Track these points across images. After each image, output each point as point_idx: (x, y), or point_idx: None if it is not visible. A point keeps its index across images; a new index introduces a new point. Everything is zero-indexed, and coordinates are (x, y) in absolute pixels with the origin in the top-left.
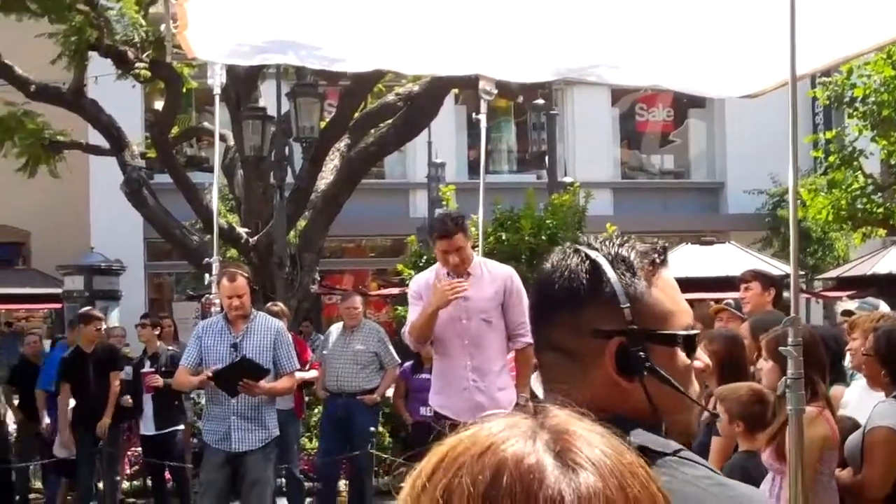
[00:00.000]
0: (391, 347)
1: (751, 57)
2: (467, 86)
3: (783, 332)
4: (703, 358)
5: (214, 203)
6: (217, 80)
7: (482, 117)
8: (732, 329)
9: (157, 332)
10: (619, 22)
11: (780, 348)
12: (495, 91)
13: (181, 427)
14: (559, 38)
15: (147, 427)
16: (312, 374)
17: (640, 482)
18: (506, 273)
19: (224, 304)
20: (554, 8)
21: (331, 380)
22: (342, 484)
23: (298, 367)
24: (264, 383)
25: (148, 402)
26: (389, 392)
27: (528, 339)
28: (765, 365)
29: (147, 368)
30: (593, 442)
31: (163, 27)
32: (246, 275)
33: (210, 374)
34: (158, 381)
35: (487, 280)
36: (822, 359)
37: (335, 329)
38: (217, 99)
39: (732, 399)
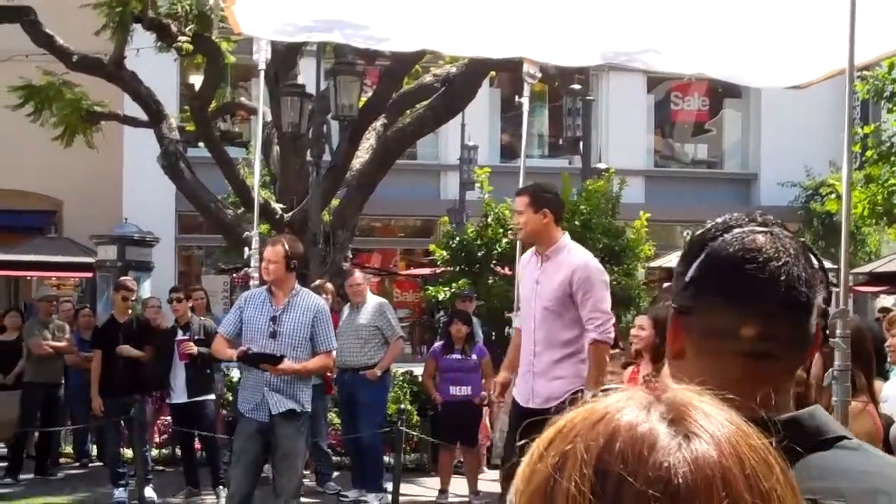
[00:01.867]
0: (394, 320)
1: (798, 48)
2: (506, 69)
3: (832, 324)
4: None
5: (256, 178)
6: (262, 55)
7: (525, 100)
8: None
9: (189, 305)
10: (666, 9)
11: (830, 340)
12: (539, 74)
13: (212, 397)
14: (606, 23)
15: (178, 396)
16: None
17: (759, 454)
18: (575, 264)
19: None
20: None
21: (338, 356)
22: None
23: (335, 346)
24: (291, 364)
25: (180, 370)
26: (418, 370)
27: (595, 334)
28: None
29: (180, 337)
30: (710, 413)
31: (211, 1)
32: (287, 246)
33: (237, 356)
34: (193, 348)
35: (558, 267)
36: (868, 353)
37: (346, 307)
38: (262, 75)
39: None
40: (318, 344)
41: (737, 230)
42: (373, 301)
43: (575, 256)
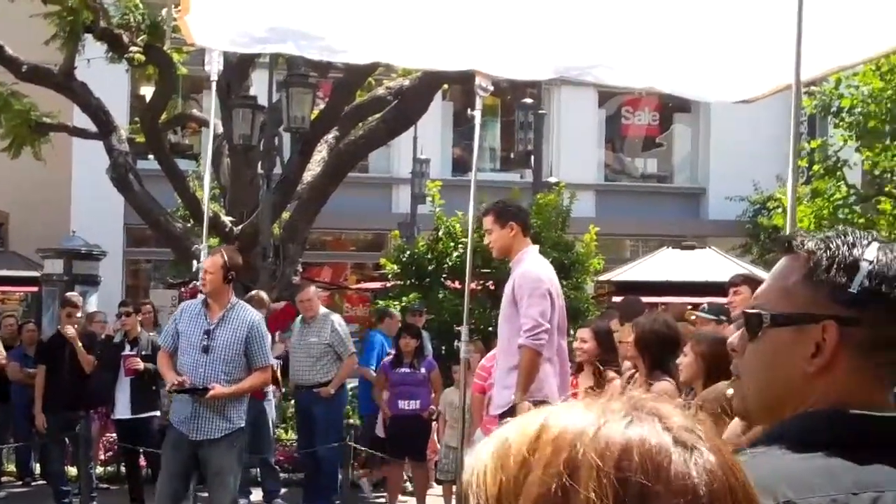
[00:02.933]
0: (346, 337)
1: (747, 63)
2: (459, 81)
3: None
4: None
5: (206, 190)
6: (214, 67)
7: (477, 114)
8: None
9: (139, 319)
10: (618, 23)
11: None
12: (491, 88)
13: (157, 413)
14: (558, 37)
15: (122, 411)
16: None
17: (738, 463)
18: (518, 272)
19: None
20: (553, 6)
21: (292, 374)
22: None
23: (272, 361)
24: (222, 389)
25: (125, 386)
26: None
27: (521, 339)
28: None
29: (128, 352)
30: (692, 422)
31: (164, 11)
32: (226, 257)
33: (167, 389)
34: (139, 364)
35: (512, 277)
36: None
37: (298, 322)
38: (214, 86)
39: (712, 398)
40: (252, 360)
41: (880, 244)
42: (325, 317)
43: (522, 265)
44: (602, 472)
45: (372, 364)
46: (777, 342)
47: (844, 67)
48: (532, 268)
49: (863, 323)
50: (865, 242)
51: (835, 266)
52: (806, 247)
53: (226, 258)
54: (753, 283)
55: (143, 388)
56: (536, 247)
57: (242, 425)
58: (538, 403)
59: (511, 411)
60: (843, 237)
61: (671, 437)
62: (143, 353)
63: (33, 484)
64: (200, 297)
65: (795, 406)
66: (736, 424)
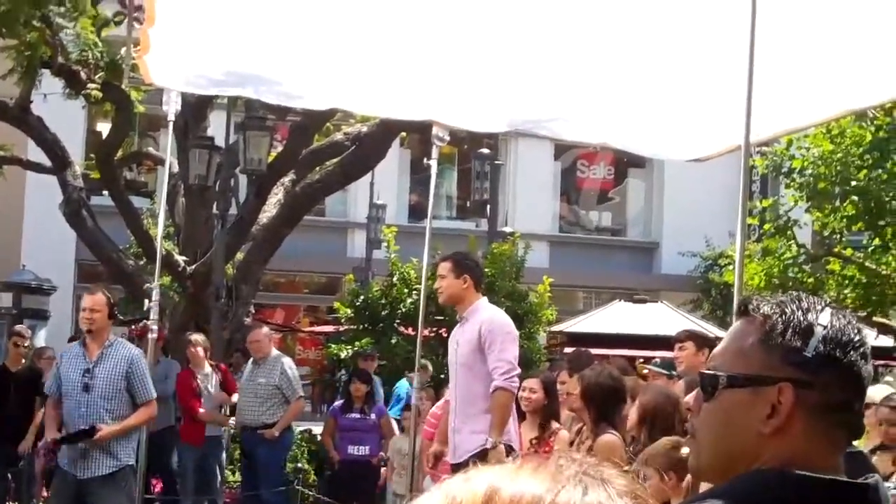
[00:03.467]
0: (295, 380)
1: (700, 123)
2: (417, 130)
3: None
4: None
5: (160, 229)
6: (172, 107)
7: (433, 162)
8: (671, 386)
9: None
10: (573, 79)
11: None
12: (448, 138)
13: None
14: (515, 90)
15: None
16: (236, 397)
17: None
18: (483, 317)
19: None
20: (510, 60)
21: (237, 413)
22: None
23: (154, 395)
24: (109, 428)
25: None
26: (317, 429)
27: (497, 381)
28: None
29: None
30: (636, 488)
31: (122, 50)
32: (108, 295)
33: (49, 447)
34: None
35: (471, 326)
36: None
37: (249, 363)
38: (171, 126)
39: (658, 454)
40: (136, 396)
41: (832, 310)
42: (276, 359)
43: (482, 314)
44: None
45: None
46: (733, 403)
47: (795, 130)
48: (497, 314)
49: (816, 386)
50: (819, 308)
51: (790, 330)
52: (762, 311)
53: (108, 295)
54: (698, 338)
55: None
56: (486, 298)
57: (131, 463)
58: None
59: (481, 455)
60: (797, 302)
61: (627, 502)
62: None
63: None
64: (152, 339)
65: (748, 465)
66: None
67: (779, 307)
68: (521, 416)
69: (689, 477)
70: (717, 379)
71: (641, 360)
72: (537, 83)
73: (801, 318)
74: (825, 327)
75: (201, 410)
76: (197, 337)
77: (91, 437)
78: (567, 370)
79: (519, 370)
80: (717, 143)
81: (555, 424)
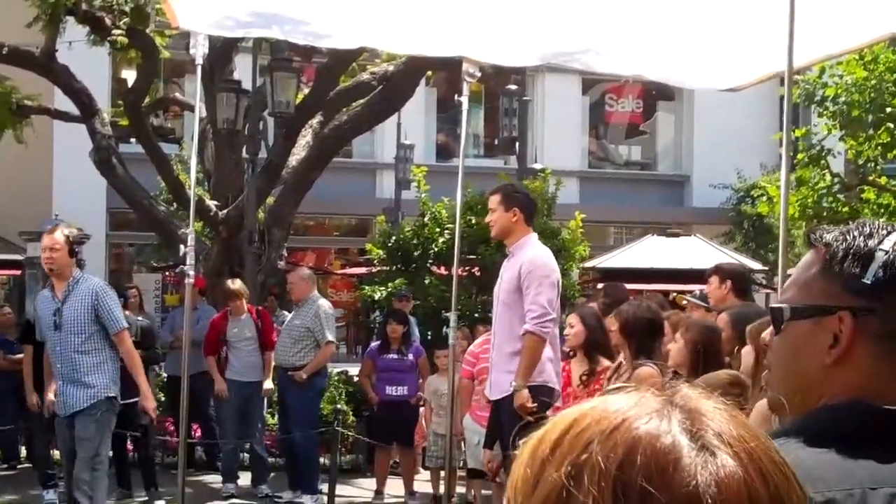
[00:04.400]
0: (327, 324)
1: (734, 51)
2: (445, 67)
3: (767, 322)
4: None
5: (192, 174)
6: (199, 50)
7: (464, 99)
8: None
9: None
10: (606, 10)
11: (760, 338)
12: (478, 74)
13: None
14: (546, 23)
15: None
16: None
17: (778, 467)
18: (526, 256)
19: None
20: None
21: (276, 354)
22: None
23: (126, 325)
24: (146, 393)
25: None
26: (353, 370)
27: (528, 325)
28: (745, 350)
29: None
30: (729, 423)
31: None
32: (67, 233)
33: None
34: None
35: (515, 263)
36: None
37: (294, 306)
38: (199, 70)
39: (715, 387)
40: (108, 328)
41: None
42: (313, 301)
43: (527, 252)
44: (603, 475)
45: None
46: (797, 334)
47: (831, 56)
48: (539, 255)
49: (877, 313)
50: (884, 233)
51: (850, 257)
52: (824, 239)
53: (67, 233)
54: (721, 272)
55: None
56: (535, 235)
57: (109, 395)
58: (538, 388)
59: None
60: (860, 228)
61: (689, 436)
62: (134, 340)
63: (19, 467)
64: (189, 284)
65: (818, 398)
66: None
67: (841, 235)
68: (570, 354)
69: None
70: (781, 311)
71: (673, 295)
72: (568, 15)
73: (862, 245)
74: (887, 252)
75: (209, 359)
76: (236, 287)
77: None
78: (602, 303)
79: (554, 315)
80: (751, 72)
81: (604, 361)
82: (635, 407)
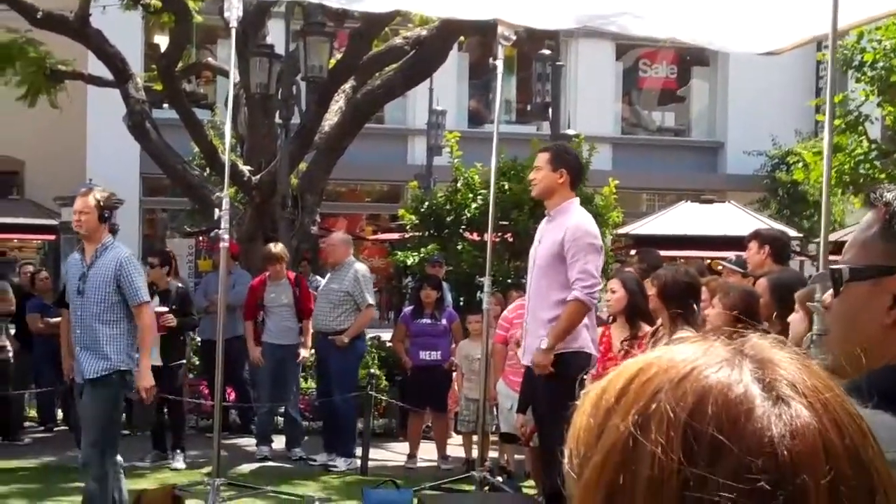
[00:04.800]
0: (366, 287)
1: (773, 15)
2: (478, 32)
3: (811, 288)
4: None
5: (227, 139)
6: (234, 13)
7: (499, 63)
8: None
9: (165, 271)
10: None
11: (808, 303)
12: (514, 37)
13: (183, 361)
14: None
15: (153, 359)
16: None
17: (853, 420)
18: (570, 223)
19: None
20: None
21: (315, 319)
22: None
23: (145, 298)
24: (144, 364)
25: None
26: (386, 335)
27: (578, 293)
28: (795, 317)
29: (158, 307)
30: (803, 373)
31: None
32: (99, 197)
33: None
34: (172, 321)
35: (556, 228)
36: None
37: (329, 270)
38: (233, 32)
39: None
40: (128, 300)
41: None
42: (350, 265)
43: (570, 218)
44: (672, 424)
45: None
46: (856, 296)
47: (874, 19)
48: (585, 221)
49: None
50: None
51: None
52: (884, 199)
53: (98, 198)
54: (760, 236)
55: (175, 337)
56: (578, 199)
57: (123, 367)
58: (575, 354)
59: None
60: None
61: (761, 386)
62: (174, 306)
63: (55, 430)
64: (224, 248)
65: (877, 360)
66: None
67: None
68: (611, 318)
69: None
70: (841, 273)
71: (708, 261)
72: None
73: None
74: None
75: (247, 324)
76: (277, 250)
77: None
78: (638, 268)
79: (601, 283)
80: (790, 36)
81: (645, 327)
82: (704, 356)
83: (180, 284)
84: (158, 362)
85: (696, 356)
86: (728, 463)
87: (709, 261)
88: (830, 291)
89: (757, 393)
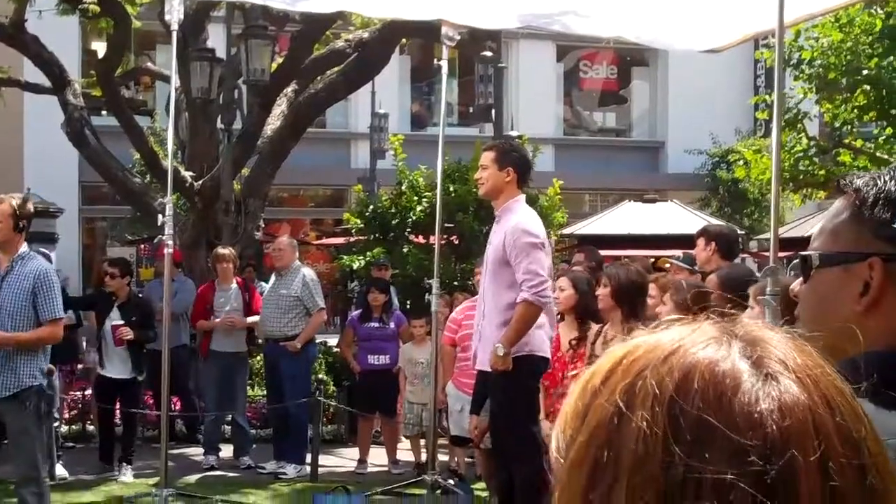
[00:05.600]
0: (316, 292)
1: (714, 13)
2: (420, 34)
3: (762, 283)
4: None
5: (170, 144)
6: (175, 16)
7: (443, 63)
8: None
9: (126, 281)
10: None
11: (759, 297)
12: (458, 37)
13: (143, 375)
14: None
15: (116, 370)
16: (254, 318)
17: (846, 399)
18: (508, 226)
19: None
20: None
21: (261, 325)
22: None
23: (60, 314)
24: (10, 333)
25: (115, 349)
26: (332, 341)
27: (526, 294)
28: (750, 312)
29: (117, 320)
30: (793, 351)
31: None
32: (15, 204)
33: None
34: (129, 334)
35: (501, 229)
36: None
37: (273, 275)
38: (174, 36)
39: None
40: (40, 313)
41: None
42: (297, 270)
43: (511, 219)
44: (657, 400)
45: None
46: (826, 283)
47: (813, 16)
48: (524, 220)
49: None
50: None
51: (880, 202)
52: (854, 185)
53: (15, 206)
54: (707, 233)
55: (138, 348)
56: (524, 197)
57: (36, 384)
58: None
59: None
60: (892, 173)
61: (749, 362)
62: (133, 318)
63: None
64: (168, 255)
65: (854, 348)
66: None
67: (872, 179)
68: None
69: None
70: (809, 259)
71: (653, 259)
72: None
73: (893, 189)
74: None
75: (200, 321)
76: (226, 251)
77: None
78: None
79: (549, 281)
80: (731, 33)
81: (594, 326)
82: (691, 335)
83: (140, 294)
84: (125, 374)
85: (682, 336)
86: (714, 438)
87: (653, 259)
88: (800, 280)
89: (745, 369)
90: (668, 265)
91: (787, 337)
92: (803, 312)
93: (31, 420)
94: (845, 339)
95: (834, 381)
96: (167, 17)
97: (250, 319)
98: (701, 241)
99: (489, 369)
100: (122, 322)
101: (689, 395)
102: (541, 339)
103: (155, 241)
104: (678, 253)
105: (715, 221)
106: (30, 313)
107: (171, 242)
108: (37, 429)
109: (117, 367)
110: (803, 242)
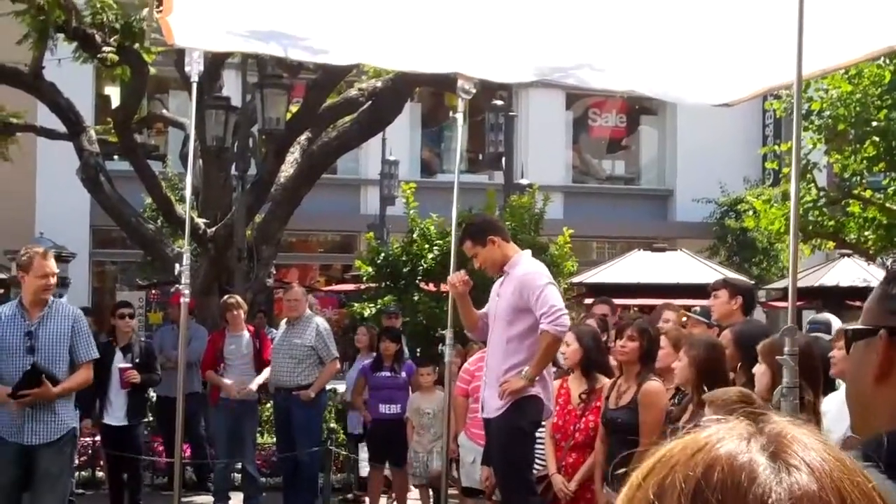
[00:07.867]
0: (330, 341)
1: (728, 67)
2: (434, 84)
3: (781, 341)
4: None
5: (188, 191)
6: (195, 68)
7: (459, 116)
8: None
9: (134, 323)
10: (601, 26)
11: (777, 357)
12: (474, 90)
13: (145, 420)
14: (541, 39)
15: (116, 418)
16: (264, 376)
17: (861, 490)
18: (517, 276)
19: (35, 285)
20: (534, 9)
21: (272, 375)
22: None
23: (96, 355)
24: (54, 388)
25: (119, 393)
26: (342, 388)
27: (545, 325)
28: (758, 370)
29: (123, 363)
30: (811, 446)
31: (144, 11)
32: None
33: (8, 393)
34: (136, 377)
35: (510, 280)
36: (816, 370)
37: (283, 323)
38: (194, 87)
39: (721, 402)
40: (77, 355)
41: None
42: (309, 319)
43: (518, 269)
44: (683, 493)
45: None
46: (855, 356)
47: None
48: (530, 270)
49: None
50: None
51: (894, 278)
52: (887, 263)
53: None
54: (730, 286)
55: (139, 395)
56: (528, 251)
57: (74, 426)
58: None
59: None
60: None
61: (767, 455)
62: (137, 360)
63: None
64: (185, 304)
65: (872, 418)
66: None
67: None
68: (567, 372)
69: None
70: (847, 334)
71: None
72: (562, 32)
73: None
74: None
75: (208, 372)
76: (237, 300)
77: (40, 386)
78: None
79: (566, 312)
80: (744, 87)
81: (603, 379)
82: (722, 432)
83: (143, 338)
84: (124, 421)
85: (712, 433)
86: None
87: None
88: (843, 350)
89: (762, 462)
90: (684, 319)
91: (808, 431)
92: (846, 384)
93: (67, 463)
94: (869, 413)
95: (850, 473)
96: (187, 69)
97: (261, 379)
98: (724, 294)
99: (492, 416)
100: (129, 365)
101: (711, 486)
102: (544, 382)
103: (172, 289)
104: (691, 303)
105: (724, 271)
106: (65, 356)
107: (187, 292)
108: (69, 473)
109: (116, 415)
110: (812, 293)
